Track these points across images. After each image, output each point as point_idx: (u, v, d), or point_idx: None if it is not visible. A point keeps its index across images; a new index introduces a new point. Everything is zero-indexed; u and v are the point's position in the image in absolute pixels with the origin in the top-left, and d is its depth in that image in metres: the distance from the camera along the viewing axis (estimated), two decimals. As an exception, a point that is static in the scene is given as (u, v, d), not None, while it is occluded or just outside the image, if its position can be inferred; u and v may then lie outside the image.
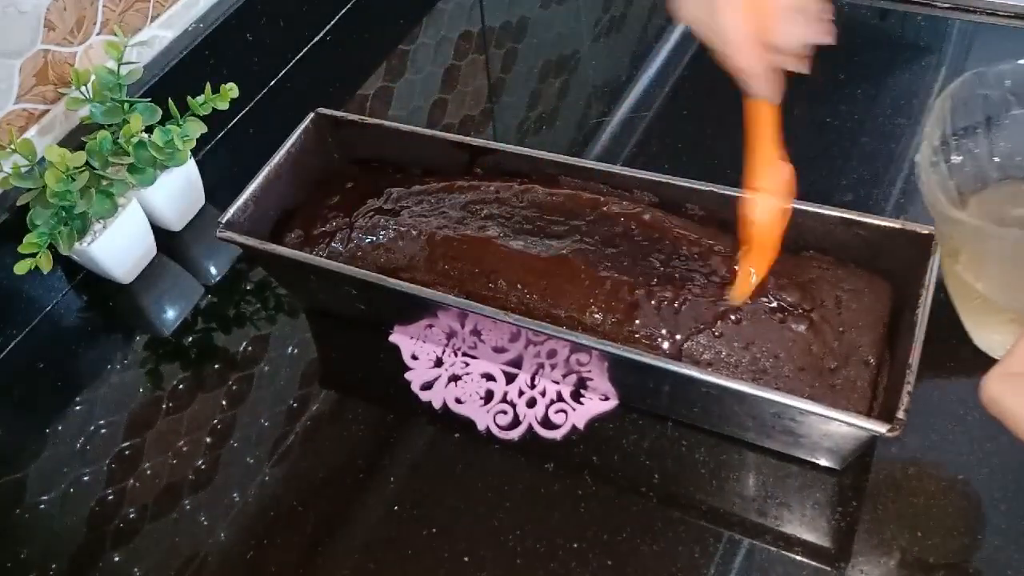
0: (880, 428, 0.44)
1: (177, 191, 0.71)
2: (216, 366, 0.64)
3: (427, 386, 0.60)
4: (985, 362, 0.57)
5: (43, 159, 0.62)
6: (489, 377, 0.60)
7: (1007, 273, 0.42)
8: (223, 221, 0.59)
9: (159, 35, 0.76)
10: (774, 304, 0.53)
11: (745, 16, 0.45)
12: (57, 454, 0.60)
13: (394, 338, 0.63)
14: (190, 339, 0.66)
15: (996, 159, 0.48)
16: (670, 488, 0.53)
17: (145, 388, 0.63)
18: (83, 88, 0.65)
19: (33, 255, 0.62)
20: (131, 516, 0.56)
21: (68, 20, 0.68)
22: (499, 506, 0.54)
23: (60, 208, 0.62)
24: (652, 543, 0.51)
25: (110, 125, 0.66)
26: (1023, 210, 0.49)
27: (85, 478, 0.58)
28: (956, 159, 0.47)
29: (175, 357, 0.65)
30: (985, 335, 0.50)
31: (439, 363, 0.61)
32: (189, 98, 0.68)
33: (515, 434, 0.57)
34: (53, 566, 0.54)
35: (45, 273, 0.63)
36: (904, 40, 0.82)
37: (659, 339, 0.53)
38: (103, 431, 0.61)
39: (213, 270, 0.71)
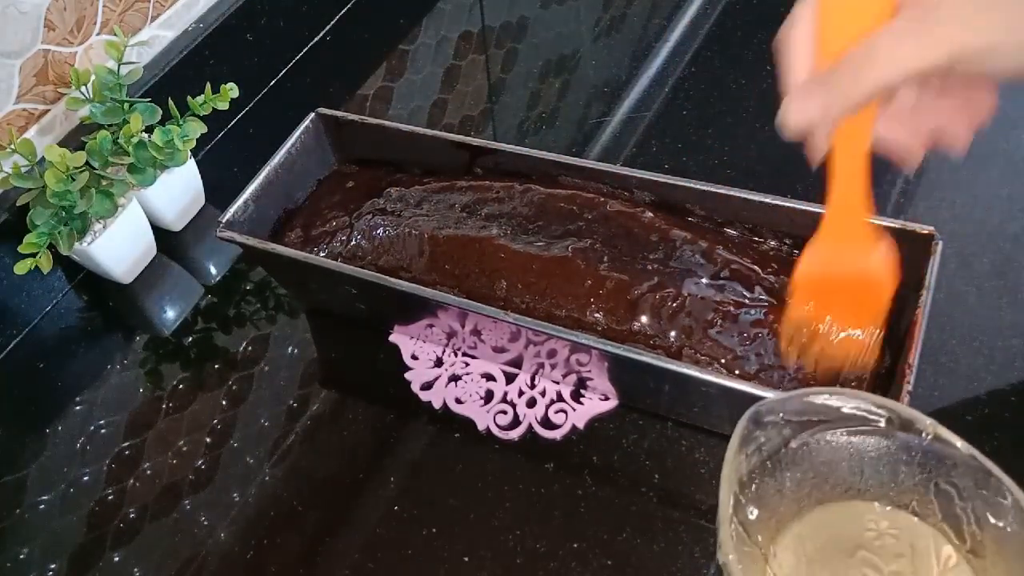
0: None
1: (177, 191, 0.71)
2: (216, 366, 0.64)
3: (427, 386, 0.60)
4: (985, 366, 0.57)
5: (43, 159, 0.62)
6: (489, 377, 0.60)
7: None
8: (223, 221, 0.59)
9: (159, 35, 0.76)
10: (774, 304, 0.53)
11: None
12: (57, 454, 0.60)
13: (394, 338, 0.63)
14: (190, 339, 0.66)
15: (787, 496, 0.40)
16: (670, 488, 0.53)
17: (145, 388, 0.63)
18: (83, 88, 0.65)
19: (33, 255, 0.62)
20: (131, 516, 0.56)
21: (68, 20, 0.68)
22: (499, 506, 0.54)
23: (60, 208, 0.62)
24: (652, 543, 0.51)
25: (110, 125, 0.66)
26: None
27: (85, 478, 0.58)
28: (752, 514, 0.38)
29: (175, 357, 0.65)
30: None
31: (439, 363, 0.61)
32: (189, 98, 0.68)
33: (515, 434, 0.57)
34: (53, 566, 0.54)
35: (45, 273, 0.63)
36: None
37: (659, 339, 0.53)
38: (103, 431, 0.61)
39: (213, 270, 0.71)
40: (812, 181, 0.69)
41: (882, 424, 0.37)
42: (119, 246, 0.67)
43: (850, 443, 0.38)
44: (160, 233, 0.71)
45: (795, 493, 0.39)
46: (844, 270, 0.44)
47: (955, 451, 0.35)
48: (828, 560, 0.38)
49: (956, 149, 0.39)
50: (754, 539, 0.37)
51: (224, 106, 0.69)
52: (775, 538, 0.38)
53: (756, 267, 0.55)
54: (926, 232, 0.52)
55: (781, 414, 0.37)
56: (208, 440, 0.59)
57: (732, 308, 0.53)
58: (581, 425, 0.57)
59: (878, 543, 0.38)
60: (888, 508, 0.38)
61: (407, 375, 0.61)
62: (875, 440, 0.37)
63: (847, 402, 0.37)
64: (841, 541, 0.38)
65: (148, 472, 0.58)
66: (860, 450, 0.38)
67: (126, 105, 0.66)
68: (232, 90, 0.69)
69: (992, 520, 0.35)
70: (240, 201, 0.60)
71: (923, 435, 0.36)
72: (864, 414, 0.37)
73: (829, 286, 0.45)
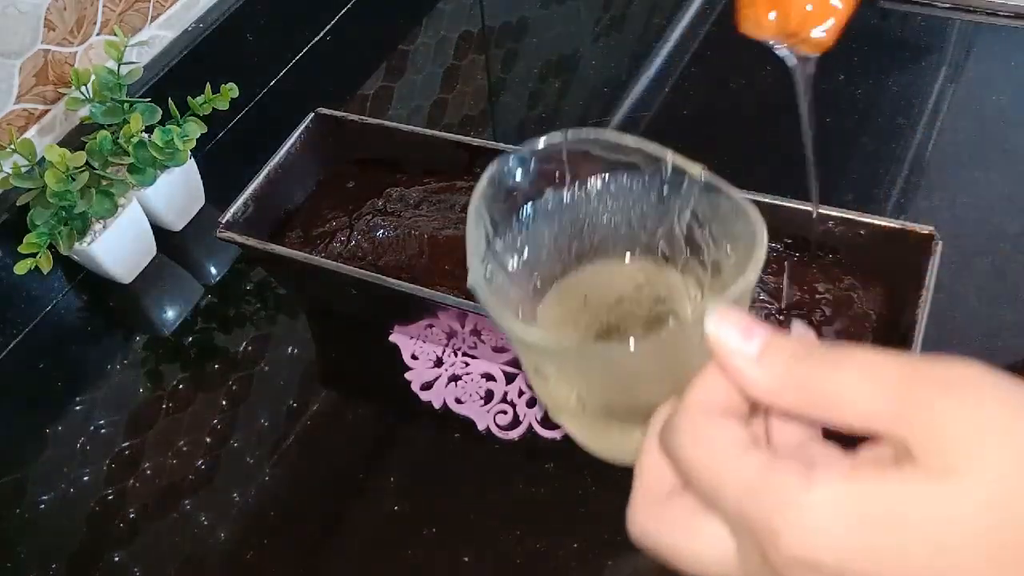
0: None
1: (177, 191, 0.71)
2: (216, 366, 0.64)
3: (427, 386, 0.60)
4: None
5: (43, 159, 0.62)
6: (489, 377, 0.60)
7: (610, 386, 0.34)
8: (223, 221, 0.59)
9: (159, 35, 0.76)
10: (774, 305, 0.53)
11: None
12: (57, 454, 0.60)
13: (394, 338, 0.63)
14: (190, 339, 0.66)
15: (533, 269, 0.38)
16: (670, 488, 0.53)
17: (145, 388, 0.63)
18: (83, 88, 0.65)
19: (33, 255, 0.62)
20: (131, 516, 0.56)
21: (68, 20, 0.68)
22: (499, 506, 0.54)
23: (60, 208, 0.62)
24: (652, 543, 0.51)
25: (110, 125, 0.66)
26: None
27: (85, 478, 0.58)
28: (511, 265, 0.37)
29: (175, 357, 0.65)
30: (600, 442, 0.39)
31: (439, 363, 0.61)
32: (189, 98, 0.68)
33: (515, 434, 0.57)
34: (53, 566, 0.54)
35: (45, 273, 0.62)
36: (904, 40, 0.82)
37: (659, 339, 0.53)
38: (103, 431, 0.61)
39: (213, 270, 0.71)
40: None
41: (624, 164, 0.37)
42: (119, 246, 0.67)
43: (599, 189, 0.38)
44: (160, 233, 0.71)
45: (553, 245, 0.39)
46: None
47: (690, 178, 0.35)
48: (592, 308, 0.39)
49: None
50: (515, 288, 0.37)
51: (224, 106, 0.69)
52: (538, 291, 0.39)
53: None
54: (926, 232, 0.52)
55: (531, 164, 0.37)
56: (208, 440, 0.59)
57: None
58: (581, 425, 0.57)
59: (637, 293, 0.39)
60: (644, 261, 0.39)
61: (407, 375, 0.61)
62: (623, 182, 0.37)
63: (589, 145, 0.36)
64: (602, 292, 0.39)
65: (148, 472, 0.58)
66: (609, 194, 0.38)
67: (126, 105, 0.66)
68: (232, 90, 0.69)
69: (724, 236, 0.35)
70: (240, 201, 0.60)
71: (664, 170, 0.36)
72: (605, 155, 0.37)
73: None
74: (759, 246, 0.31)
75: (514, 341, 0.33)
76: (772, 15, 0.43)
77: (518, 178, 0.37)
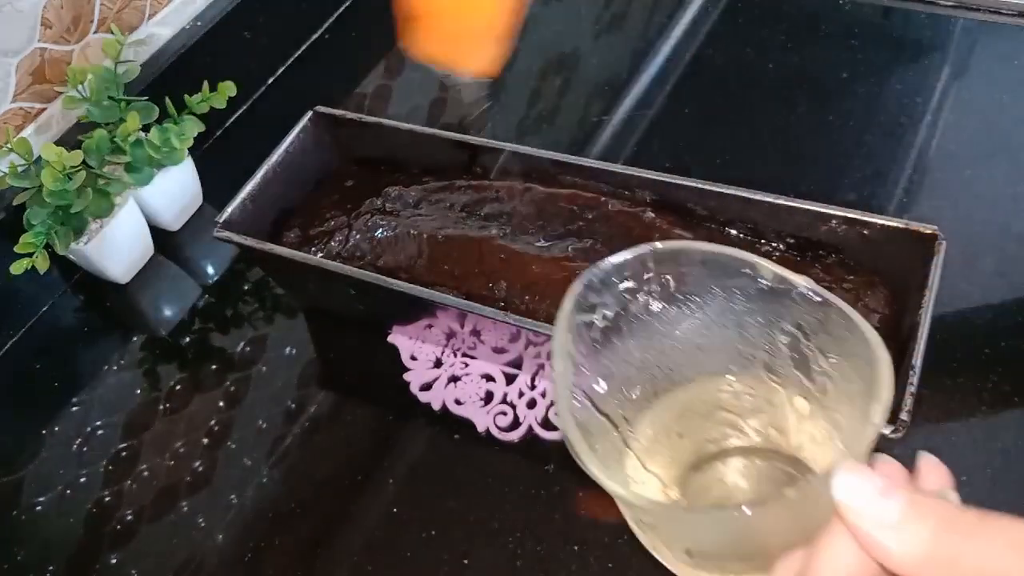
0: (883, 429, 0.44)
1: (174, 190, 0.71)
2: (214, 367, 0.63)
3: (426, 387, 0.60)
4: (988, 366, 0.56)
5: (40, 158, 0.62)
6: (489, 378, 0.59)
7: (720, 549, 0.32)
8: (221, 220, 0.59)
9: (156, 33, 0.76)
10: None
11: None
12: (54, 455, 0.60)
13: (393, 338, 0.62)
14: (187, 339, 0.66)
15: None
16: (671, 490, 0.53)
17: (142, 389, 0.63)
18: (80, 87, 0.64)
19: (30, 255, 0.61)
20: (128, 518, 0.56)
21: (65, 18, 0.67)
22: (499, 508, 0.53)
23: (57, 207, 0.61)
24: (653, 545, 0.51)
25: (107, 124, 0.65)
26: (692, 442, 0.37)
27: (82, 479, 0.58)
28: (600, 387, 0.36)
29: (172, 358, 0.64)
30: None
31: (438, 364, 0.61)
32: (186, 96, 0.68)
33: (515, 435, 0.57)
34: (50, 568, 0.54)
35: (42, 273, 0.62)
36: (907, 38, 0.81)
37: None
38: (100, 432, 0.60)
39: (211, 270, 0.71)
40: (815, 181, 0.69)
41: (723, 274, 0.35)
42: (116, 246, 0.66)
43: (691, 300, 0.36)
44: (157, 233, 0.71)
45: (643, 362, 0.37)
46: None
47: (795, 289, 0.33)
48: (688, 425, 0.37)
49: None
50: (606, 413, 0.35)
51: (221, 105, 0.69)
52: (631, 412, 0.36)
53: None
54: (929, 232, 0.52)
55: (615, 279, 0.35)
56: (205, 441, 0.59)
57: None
58: (581, 426, 0.56)
59: (735, 402, 0.37)
60: (740, 368, 0.37)
61: (406, 376, 0.60)
62: (716, 292, 0.36)
63: (676, 255, 0.35)
64: (698, 405, 0.37)
65: (145, 473, 0.58)
66: (701, 305, 0.36)
67: (123, 104, 0.66)
68: (230, 88, 0.69)
69: (834, 350, 0.33)
70: (238, 200, 0.60)
71: (761, 279, 0.34)
72: (695, 263, 0.35)
73: None
74: (883, 383, 0.28)
75: (614, 496, 0.31)
76: (433, 46, 0.43)
77: (603, 295, 0.35)
